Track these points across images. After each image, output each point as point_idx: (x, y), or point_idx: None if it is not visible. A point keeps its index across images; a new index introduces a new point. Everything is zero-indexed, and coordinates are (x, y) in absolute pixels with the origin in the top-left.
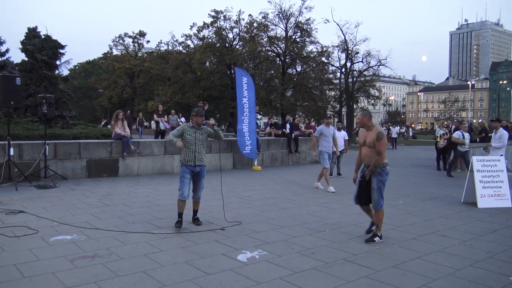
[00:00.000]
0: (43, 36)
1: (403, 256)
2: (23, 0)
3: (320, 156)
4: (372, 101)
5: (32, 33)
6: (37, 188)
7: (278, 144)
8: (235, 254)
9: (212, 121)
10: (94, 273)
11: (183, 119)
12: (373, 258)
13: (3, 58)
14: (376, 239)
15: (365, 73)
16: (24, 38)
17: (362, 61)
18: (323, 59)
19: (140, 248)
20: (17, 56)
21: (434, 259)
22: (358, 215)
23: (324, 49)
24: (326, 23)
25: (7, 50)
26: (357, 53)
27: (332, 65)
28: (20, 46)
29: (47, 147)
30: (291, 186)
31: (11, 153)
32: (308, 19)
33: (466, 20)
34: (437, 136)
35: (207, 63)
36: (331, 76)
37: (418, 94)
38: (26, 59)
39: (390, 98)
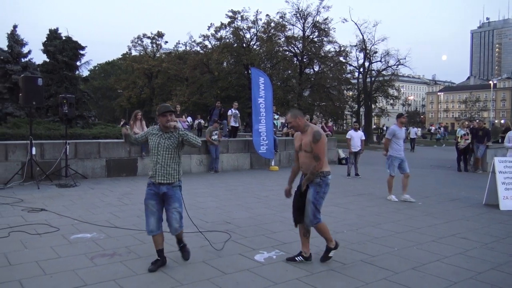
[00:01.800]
0: (64, 38)
1: (422, 258)
2: (44, 3)
3: (390, 161)
4: (391, 101)
5: (53, 34)
6: (58, 187)
7: None
8: (252, 254)
9: (174, 123)
10: (113, 271)
11: (189, 119)
12: (391, 260)
13: (25, 60)
14: (331, 253)
15: (384, 72)
16: (45, 39)
17: (380, 61)
18: (341, 58)
19: None
20: (39, 57)
21: (454, 261)
22: (376, 216)
23: (342, 48)
24: (344, 22)
25: (29, 52)
26: (376, 52)
27: (350, 65)
28: (42, 48)
29: (68, 146)
30: None
31: (33, 152)
32: (326, 19)
33: (487, 18)
34: (458, 137)
35: (225, 63)
36: (349, 76)
37: (438, 94)
38: (47, 60)
39: (409, 98)
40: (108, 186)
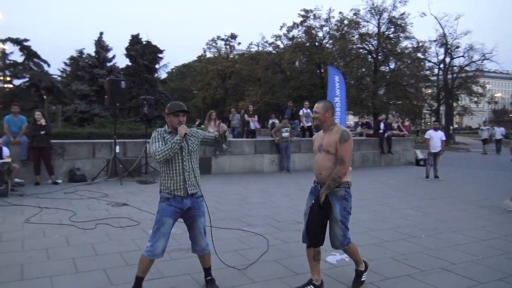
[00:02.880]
0: (144, 42)
1: (511, 268)
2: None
3: None
4: (475, 99)
5: (135, 39)
6: (139, 183)
7: (369, 144)
8: (324, 255)
9: (186, 130)
10: (188, 265)
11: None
12: (475, 269)
13: (110, 64)
14: (364, 277)
15: (467, 68)
16: (128, 44)
17: (463, 56)
18: (419, 55)
19: (231, 244)
20: (122, 61)
21: None
22: (458, 221)
23: (420, 44)
24: (422, 16)
25: (113, 56)
26: (458, 47)
27: (429, 61)
28: (125, 52)
29: (147, 145)
30: (383, 187)
31: (117, 150)
32: (403, 14)
33: None
34: None
35: (297, 63)
36: (427, 72)
37: None
38: (129, 64)
39: (496, 95)
40: None
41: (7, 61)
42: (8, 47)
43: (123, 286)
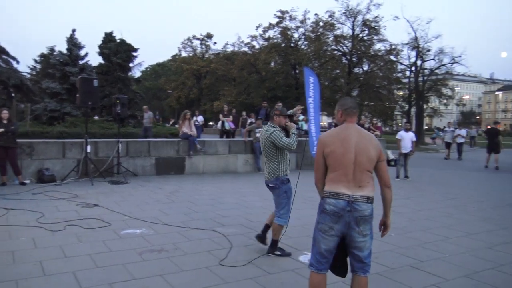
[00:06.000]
0: (118, 40)
1: (476, 265)
2: (100, 7)
3: None
4: (444, 101)
5: (109, 37)
6: (110, 184)
7: None
8: (297, 255)
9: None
10: (160, 267)
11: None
12: (442, 266)
13: (82, 62)
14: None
15: (437, 71)
16: (101, 42)
17: (434, 59)
18: (392, 57)
19: (204, 245)
20: (95, 59)
21: (510, 270)
22: (427, 221)
23: (393, 47)
24: (395, 20)
25: (86, 54)
26: (429, 50)
27: (401, 64)
28: (98, 50)
29: (120, 145)
30: None
31: (88, 150)
32: (376, 17)
33: None
34: None
35: (272, 63)
36: (399, 75)
37: (496, 93)
38: (102, 62)
39: (464, 97)
40: (157, 183)
41: None
42: None
43: None
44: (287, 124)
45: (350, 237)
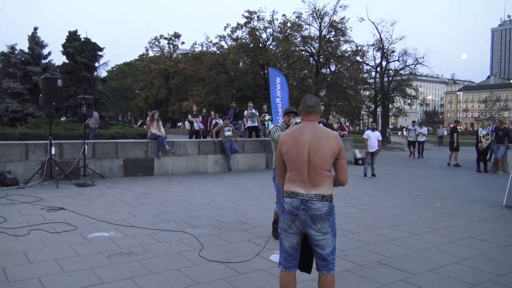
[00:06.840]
0: (83, 39)
1: (440, 260)
2: (63, 3)
3: None
4: (409, 101)
5: (73, 36)
6: (77, 186)
7: None
8: (267, 254)
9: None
10: (129, 270)
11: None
12: (409, 262)
13: (45, 61)
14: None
15: (401, 72)
16: (65, 41)
17: (398, 60)
18: (358, 58)
19: (174, 246)
20: (58, 58)
21: (473, 264)
22: (393, 217)
23: (359, 48)
24: (361, 21)
25: (49, 53)
26: (393, 51)
27: (367, 64)
28: (61, 49)
29: (86, 146)
30: None
31: (53, 152)
32: (343, 18)
33: (509, 16)
34: (480, 136)
35: (241, 64)
36: (365, 75)
37: (457, 93)
38: (67, 61)
39: (427, 97)
40: (125, 185)
41: None
42: None
43: None
44: (290, 121)
45: (309, 235)
